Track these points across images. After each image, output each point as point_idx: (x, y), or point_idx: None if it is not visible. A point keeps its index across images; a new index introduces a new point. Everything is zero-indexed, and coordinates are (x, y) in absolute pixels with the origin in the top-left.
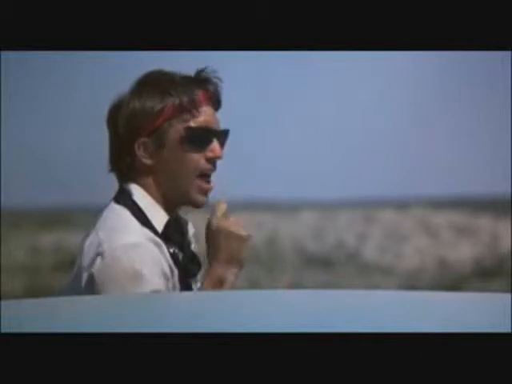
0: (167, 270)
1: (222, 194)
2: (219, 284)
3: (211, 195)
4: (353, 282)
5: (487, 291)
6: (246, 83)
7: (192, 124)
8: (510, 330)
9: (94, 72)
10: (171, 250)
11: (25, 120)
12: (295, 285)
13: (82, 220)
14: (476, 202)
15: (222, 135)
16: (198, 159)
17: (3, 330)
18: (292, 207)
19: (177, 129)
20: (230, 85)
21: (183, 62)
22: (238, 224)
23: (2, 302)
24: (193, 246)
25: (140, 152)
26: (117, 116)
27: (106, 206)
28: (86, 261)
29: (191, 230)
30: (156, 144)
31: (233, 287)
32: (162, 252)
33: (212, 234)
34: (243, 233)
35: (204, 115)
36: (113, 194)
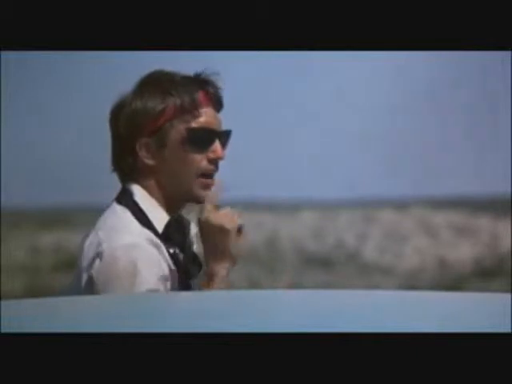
0: (166, 271)
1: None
2: (209, 279)
3: None
4: (353, 282)
5: (487, 291)
6: (246, 83)
7: (193, 125)
8: (510, 330)
9: (94, 72)
10: (171, 251)
11: (25, 120)
12: (295, 285)
13: (82, 220)
14: (476, 202)
15: (224, 136)
16: (200, 160)
17: (3, 330)
18: (292, 207)
19: (178, 129)
20: (230, 85)
21: (183, 62)
22: (225, 216)
23: (2, 302)
24: (195, 247)
25: (142, 152)
26: (119, 116)
27: (106, 205)
28: (85, 261)
29: (193, 230)
30: (157, 144)
31: (227, 283)
32: (161, 253)
33: (200, 228)
34: (228, 226)
35: (205, 116)
36: (113, 193)
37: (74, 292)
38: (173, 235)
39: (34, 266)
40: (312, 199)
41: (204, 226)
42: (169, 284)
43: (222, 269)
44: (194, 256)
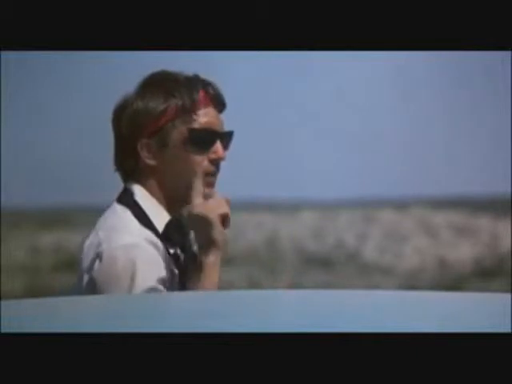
0: (166, 271)
1: (222, 194)
2: (198, 267)
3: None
4: (353, 282)
5: (487, 291)
6: (246, 83)
7: (195, 125)
8: (510, 330)
9: (94, 72)
10: (172, 251)
11: (25, 120)
12: (295, 285)
13: (82, 220)
14: (476, 201)
15: (226, 137)
16: (201, 160)
17: (3, 330)
18: (292, 207)
19: (180, 130)
20: (230, 85)
21: (184, 62)
22: (208, 205)
23: (2, 302)
24: (195, 247)
25: (143, 152)
26: (121, 116)
27: (107, 205)
28: (86, 261)
29: None
30: (159, 144)
31: (215, 271)
32: (160, 253)
33: (187, 220)
34: (211, 214)
35: (207, 117)
36: (113, 193)
37: (76, 292)
38: (173, 235)
39: (34, 266)
40: (312, 199)
41: (189, 216)
42: (168, 284)
43: (209, 256)
44: (194, 256)
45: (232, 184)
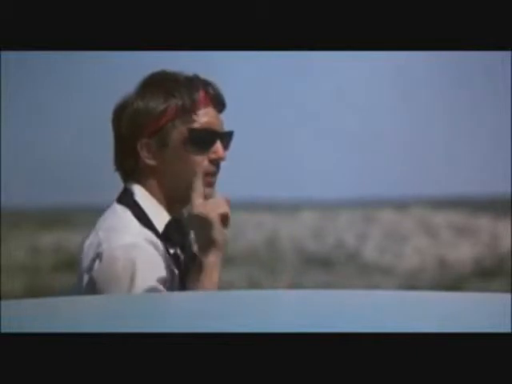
0: (166, 271)
1: (222, 194)
2: (198, 267)
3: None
4: (353, 282)
5: (487, 291)
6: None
7: (195, 125)
8: (510, 330)
9: (94, 72)
10: (172, 251)
11: (25, 120)
12: (295, 285)
13: (82, 220)
14: (476, 201)
15: (226, 137)
16: (201, 160)
17: (3, 330)
18: (292, 207)
19: (180, 130)
20: (230, 85)
21: (183, 62)
22: (208, 205)
23: (2, 302)
24: (195, 247)
25: (143, 152)
26: (121, 116)
27: (107, 205)
28: (86, 261)
29: None
30: (159, 144)
31: (215, 271)
32: (160, 253)
33: (188, 221)
34: (211, 214)
35: (207, 117)
36: (113, 193)
37: (75, 292)
38: (173, 235)
39: (34, 266)
40: (312, 199)
41: (189, 216)
42: (168, 284)
43: (209, 256)
44: (194, 256)
45: (232, 184)
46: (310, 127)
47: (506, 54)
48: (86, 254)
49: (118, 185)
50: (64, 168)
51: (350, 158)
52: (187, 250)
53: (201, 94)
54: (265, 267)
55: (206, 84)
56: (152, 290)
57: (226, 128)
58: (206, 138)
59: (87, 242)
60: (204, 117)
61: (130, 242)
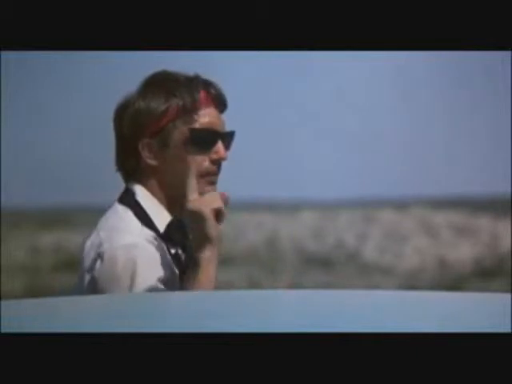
0: (166, 271)
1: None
2: (194, 263)
3: None
4: (353, 282)
5: (487, 291)
6: (246, 83)
7: (196, 125)
8: (510, 330)
9: (94, 72)
10: (173, 251)
11: (25, 120)
12: (295, 285)
13: (82, 220)
14: (476, 201)
15: (227, 137)
16: (203, 161)
17: (3, 330)
18: (292, 207)
19: (181, 130)
20: (230, 85)
21: (184, 62)
22: (202, 200)
23: (2, 302)
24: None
25: (144, 152)
26: (122, 116)
27: (107, 205)
28: (87, 261)
29: None
30: (160, 144)
31: (211, 267)
32: (161, 253)
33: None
34: (204, 209)
35: (208, 117)
36: (113, 193)
37: (77, 292)
38: (174, 235)
39: (34, 266)
40: (312, 199)
41: (184, 212)
42: (169, 284)
43: (205, 251)
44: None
45: (232, 184)
46: (309, 127)
47: (506, 53)
48: (88, 253)
49: (118, 185)
50: (64, 168)
51: (350, 157)
52: (188, 250)
53: (202, 94)
54: (265, 267)
55: (207, 84)
56: (152, 289)
57: (226, 128)
58: (207, 138)
59: (88, 242)
60: (205, 117)
61: (131, 242)
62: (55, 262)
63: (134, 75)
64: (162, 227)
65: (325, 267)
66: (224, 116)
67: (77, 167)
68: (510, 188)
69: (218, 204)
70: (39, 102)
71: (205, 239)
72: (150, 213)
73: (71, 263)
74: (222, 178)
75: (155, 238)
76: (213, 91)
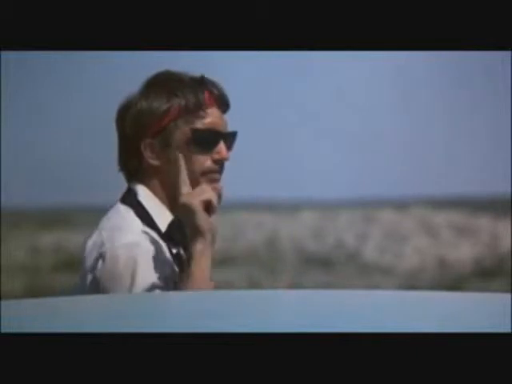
0: (167, 270)
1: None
2: (189, 258)
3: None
4: (353, 282)
5: (487, 291)
6: (247, 83)
7: (198, 125)
8: (510, 330)
9: (94, 72)
10: (174, 251)
11: (25, 120)
12: (295, 285)
13: (82, 220)
14: (476, 201)
15: (230, 137)
16: (205, 161)
17: (3, 330)
18: (292, 207)
19: (183, 130)
20: (230, 85)
21: (184, 62)
22: (191, 193)
23: (2, 302)
24: None
25: (146, 152)
26: (125, 116)
27: (107, 205)
28: (89, 261)
29: None
30: (162, 144)
31: (206, 261)
32: (162, 252)
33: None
34: (193, 201)
35: (211, 117)
36: (113, 193)
37: (78, 292)
38: (175, 235)
39: (34, 266)
40: (312, 199)
41: (177, 207)
42: (169, 283)
43: (197, 244)
44: None
45: (232, 184)
46: (310, 127)
47: (506, 53)
48: (90, 253)
49: (118, 185)
50: (64, 168)
51: (350, 157)
52: (188, 249)
53: (206, 94)
54: (265, 267)
55: (210, 84)
56: (153, 288)
57: (227, 128)
58: (209, 139)
59: (90, 242)
60: (208, 117)
61: (133, 241)
62: (55, 262)
63: (134, 75)
64: (163, 227)
65: (325, 267)
66: (224, 116)
67: (77, 167)
68: (510, 188)
69: (208, 196)
70: (39, 101)
71: (196, 232)
72: (151, 213)
73: (71, 263)
74: (222, 177)
75: (156, 238)
76: (216, 91)
